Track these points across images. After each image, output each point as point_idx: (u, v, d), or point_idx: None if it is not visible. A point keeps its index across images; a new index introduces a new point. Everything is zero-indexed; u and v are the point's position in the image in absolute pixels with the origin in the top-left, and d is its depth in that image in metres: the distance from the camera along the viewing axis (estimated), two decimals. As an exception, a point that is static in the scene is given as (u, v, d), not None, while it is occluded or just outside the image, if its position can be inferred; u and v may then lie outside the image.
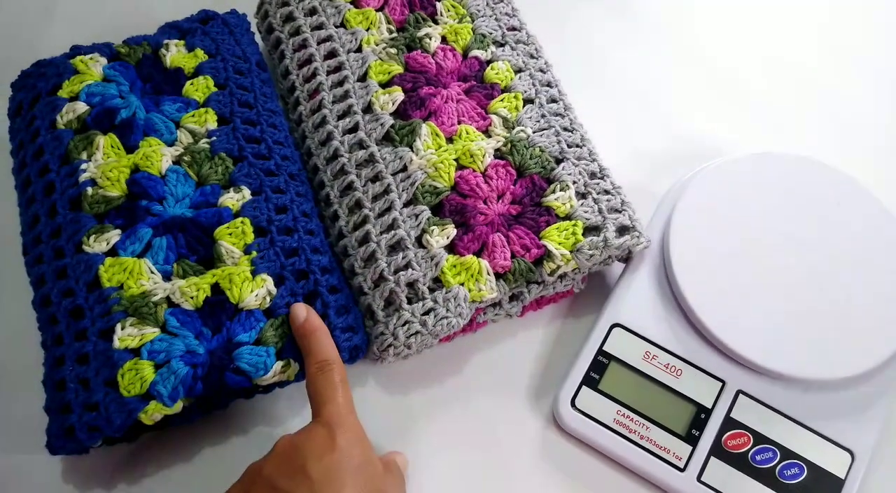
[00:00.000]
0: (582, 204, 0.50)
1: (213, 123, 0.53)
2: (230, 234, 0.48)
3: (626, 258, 0.52)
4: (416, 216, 0.49)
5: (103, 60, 0.55)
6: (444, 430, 0.49)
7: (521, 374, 0.51)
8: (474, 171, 0.51)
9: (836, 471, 0.46)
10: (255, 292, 0.46)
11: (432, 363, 0.51)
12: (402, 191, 0.50)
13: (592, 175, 0.52)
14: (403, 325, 0.47)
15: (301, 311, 0.46)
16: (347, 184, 0.51)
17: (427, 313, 0.47)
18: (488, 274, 0.48)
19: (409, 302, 0.47)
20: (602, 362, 0.49)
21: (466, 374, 0.51)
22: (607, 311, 0.50)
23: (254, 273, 0.47)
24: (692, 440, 0.46)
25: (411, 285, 0.48)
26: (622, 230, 0.50)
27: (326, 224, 0.52)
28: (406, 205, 0.50)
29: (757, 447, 0.46)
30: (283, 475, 0.40)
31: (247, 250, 0.48)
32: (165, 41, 0.56)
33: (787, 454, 0.46)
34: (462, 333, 0.50)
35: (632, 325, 0.49)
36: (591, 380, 0.48)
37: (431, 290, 0.48)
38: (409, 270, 0.48)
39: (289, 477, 0.40)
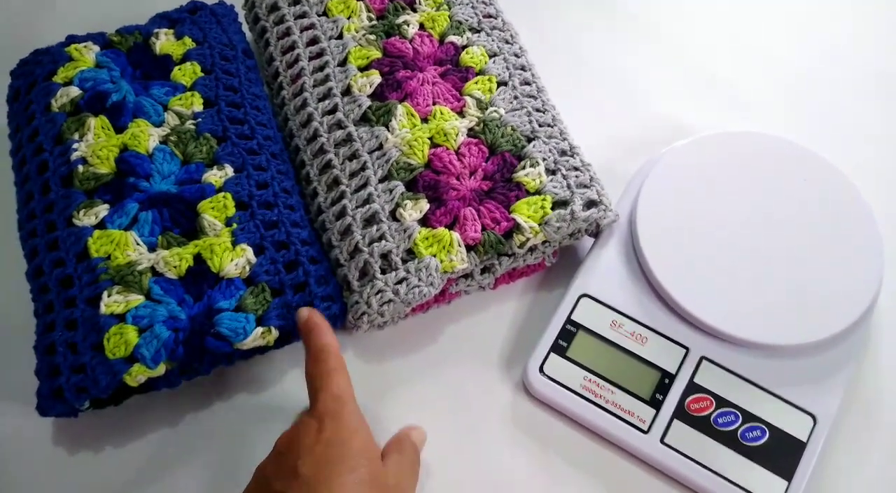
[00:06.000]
0: (551, 180, 0.52)
1: (199, 106, 0.55)
2: (212, 208, 0.50)
3: (596, 233, 0.54)
4: (391, 191, 0.51)
5: (96, 48, 0.58)
6: (419, 397, 0.51)
7: (493, 344, 0.53)
8: (447, 149, 0.53)
9: (797, 434, 0.47)
10: (235, 261, 0.48)
11: (408, 333, 0.53)
12: (378, 168, 0.52)
13: (562, 153, 0.54)
14: (377, 294, 0.49)
15: (303, 312, 0.47)
16: (326, 162, 0.54)
17: (400, 282, 0.49)
18: (459, 246, 0.50)
19: (383, 272, 0.49)
20: (570, 330, 0.50)
21: (441, 343, 0.53)
22: (576, 282, 0.52)
23: (234, 243, 0.49)
24: (656, 403, 0.48)
25: (385, 256, 0.50)
26: (590, 204, 0.52)
27: (307, 201, 0.54)
28: (381, 181, 0.52)
29: (719, 411, 0.48)
30: (278, 476, 0.40)
31: (228, 223, 0.50)
32: (155, 30, 0.59)
33: (748, 417, 0.48)
34: (436, 303, 0.52)
35: (599, 295, 0.51)
36: (559, 348, 0.50)
37: (404, 261, 0.50)
38: (383, 241, 0.50)
39: (282, 478, 0.40)
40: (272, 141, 0.55)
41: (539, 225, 0.51)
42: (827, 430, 0.47)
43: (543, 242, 0.52)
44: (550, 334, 0.50)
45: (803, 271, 0.50)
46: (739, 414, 0.48)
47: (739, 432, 0.47)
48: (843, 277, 0.50)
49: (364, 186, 0.52)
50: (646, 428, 0.48)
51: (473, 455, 0.49)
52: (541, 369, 0.50)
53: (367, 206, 0.51)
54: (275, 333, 0.48)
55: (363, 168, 0.52)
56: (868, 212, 0.52)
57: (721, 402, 0.48)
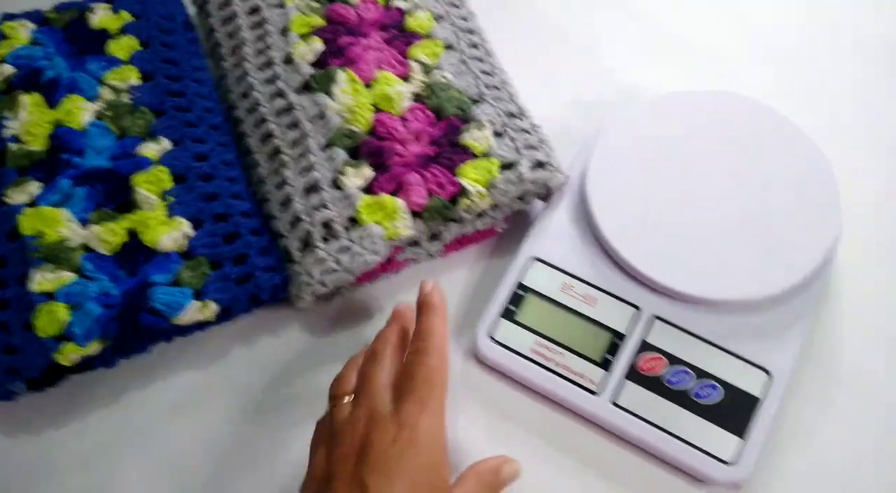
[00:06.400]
0: (499, 143, 0.51)
1: (136, 80, 0.54)
2: (147, 181, 0.49)
3: (546, 197, 0.52)
4: (332, 159, 0.50)
5: (32, 25, 0.56)
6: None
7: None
8: (391, 114, 0.51)
9: (752, 390, 0.46)
10: (170, 234, 0.47)
11: (357, 305, 0.52)
12: (319, 136, 0.51)
13: (511, 115, 0.52)
14: (319, 263, 0.47)
15: (427, 284, 0.45)
16: (266, 132, 0.52)
17: (342, 251, 0.47)
18: (404, 212, 0.48)
19: (325, 242, 0.48)
20: (520, 294, 0.49)
21: (390, 313, 0.52)
22: (526, 245, 0.51)
23: (170, 217, 0.48)
24: (607, 365, 0.47)
25: (327, 225, 0.48)
26: (538, 166, 0.50)
27: (249, 173, 0.53)
28: (323, 149, 0.51)
29: (671, 370, 0.46)
30: (344, 483, 0.37)
31: (164, 196, 0.49)
32: (91, 4, 0.57)
33: (702, 374, 0.46)
34: (383, 272, 0.51)
35: (550, 258, 0.50)
36: (508, 313, 0.49)
37: (347, 229, 0.48)
38: (324, 210, 0.48)
39: (340, 479, 0.38)
40: (213, 113, 0.54)
41: (486, 188, 0.49)
42: (783, 386, 0.46)
43: (493, 208, 0.50)
44: (500, 300, 0.49)
45: (757, 227, 0.49)
46: (692, 372, 0.46)
47: (692, 390, 0.46)
48: (797, 231, 0.49)
49: (305, 154, 0.50)
50: (597, 390, 0.46)
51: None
52: (490, 336, 0.48)
53: (308, 174, 0.49)
54: (213, 307, 0.46)
55: (304, 137, 0.51)
56: (824, 165, 0.51)
57: (673, 360, 0.47)
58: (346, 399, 0.42)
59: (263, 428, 0.48)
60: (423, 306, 0.44)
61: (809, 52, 0.63)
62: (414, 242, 0.50)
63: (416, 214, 0.49)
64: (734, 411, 0.45)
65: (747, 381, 0.46)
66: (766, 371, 0.46)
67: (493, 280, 0.52)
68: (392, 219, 0.48)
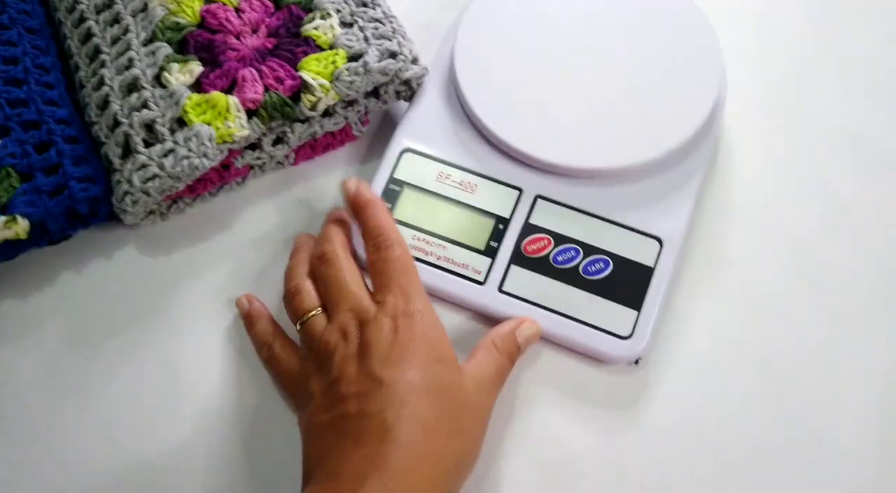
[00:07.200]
0: (346, 33, 0.46)
1: (-61, -20, 0.48)
2: (-58, 87, 0.43)
3: (410, 96, 0.48)
4: (154, 54, 0.44)
5: None
6: (214, 288, 0.45)
7: (299, 222, 0.47)
8: (224, 4, 0.46)
9: (643, 260, 0.43)
10: (-34, 143, 0.42)
11: (198, 220, 0.47)
12: (141, 30, 0.45)
13: (361, 4, 0.47)
14: (139, 169, 0.42)
15: (350, 184, 0.43)
16: (86, 31, 0.47)
17: (166, 154, 0.42)
18: (238, 111, 0.43)
19: (147, 145, 0.43)
20: (395, 189, 0.45)
21: (237, 229, 0.47)
22: (396, 138, 0.46)
23: (-35, 124, 0.42)
24: (491, 252, 0.43)
25: (149, 127, 0.43)
26: (388, 56, 0.45)
27: (72, 78, 0.47)
28: (145, 44, 0.45)
29: (558, 249, 0.43)
30: (354, 384, 0.36)
31: (-37, 103, 0.43)
32: None
33: (590, 250, 0.43)
34: (222, 181, 0.46)
35: (423, 148, 0.46)
36: (384, 209, 0.45)
37: (173, 131, 0.43)
38: (145, 110, 0.43)
39: (357, 383, 0.36)
40: (29, 15, 0.48)
41: (330, 82, 0.44)
42: (675, 252, 0.43)
43: (343, 106, 0.46)
44: None
45: (636, 92, 0.45)
46: (580, 249, 0.43)
47: (581, 267, 0.43)
48: (677, 94, 0.45)
49: (125, 51, 0.45)
50: (482, 279, 0.43)
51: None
52: None
53: (127, 72, 0.44)
54: (23, 222, 0.41)
55: (125, 32, 0.45)
56: (704, 24, 0.47)
57: (559, 239, 0.43)
58: (315, 312, 0.40)
59: (94, 356, 0.43)
60: (357, 205, 0.42)
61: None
62: (254, 146, 0.45)
63: (252, 113, 0.44)
64: (627, 283, 0.42)
65: (638, 252, 0.43)
66: (658, 239, 0.43)
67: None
68: (225, 119, 0.43)
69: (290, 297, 0.41)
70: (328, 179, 0.48)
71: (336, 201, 0.47)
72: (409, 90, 0.47)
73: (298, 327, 0.41)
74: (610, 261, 0.43)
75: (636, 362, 0.43)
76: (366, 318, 0.38)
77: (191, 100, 0.43)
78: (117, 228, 0.46)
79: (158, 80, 0.44)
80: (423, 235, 0.44)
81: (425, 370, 0.37)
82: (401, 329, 0.37)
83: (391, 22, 0.47)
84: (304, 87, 0.44)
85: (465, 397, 0.38)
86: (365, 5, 0.47)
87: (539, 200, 0.44)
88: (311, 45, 0.45)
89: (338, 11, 0.46)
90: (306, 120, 0.45)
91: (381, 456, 0.34)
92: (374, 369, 0.36)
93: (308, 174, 0.48)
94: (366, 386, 0.36)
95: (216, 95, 0.43)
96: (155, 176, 0.42)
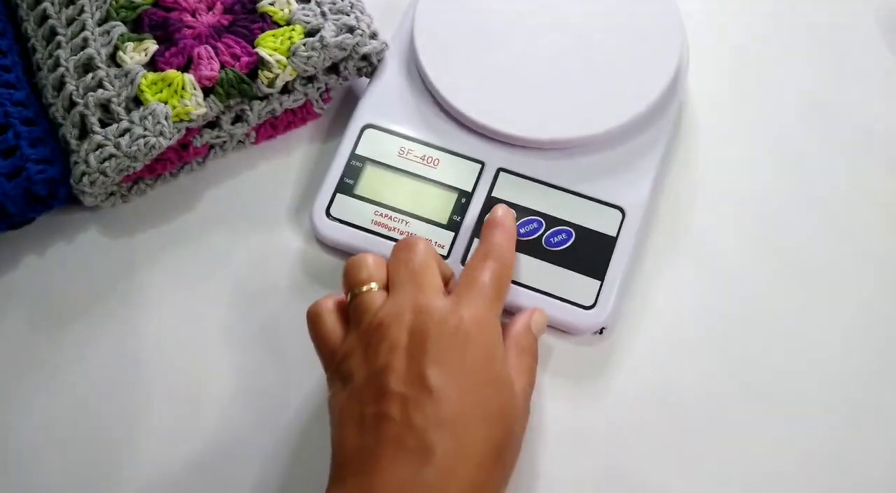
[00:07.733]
0: (303, 8, 0.45)
1: None
2: None
3: (371, 72, 0.47)
4: (108, 33, 0.44)
5: None
6: (177, 267, 0.45)
7: (262, 202, 0.47)
8: (179, -18, 0.46)
9: (606, 230, 0.43)
10: (-83, 126, 0.41)
11: (161, 204, 0.46)
12: (96, 10, 0.45)
13: (319, -21, 0.47)
14: (96, 149, 0.42)
15: (498, 209, 0.42)
16: (42, 13, 0.46)
17: (123, 134, 0.42)
18: (194, 89, 0.43)
19: (103, 126, 0.42)
20: (356, 166, 0.45)
21: (201, 210, 0.46)
22: (357, 115, 0.46)
23: (-83, 108, 0.42)
24: (454, 226, 0.43)
25: (105, 106, 0.43)
26: (345, 30, 0.45)
27: (30, 62, 0.47)
28: (100, 24, 0.45)
29: (521, 221, 0.43)
30: (401, 378, 0.34)
31: (-86, 86, 0.43)
32: None
33: (552, 221, 0.43)
34: (182, 161, 0.45)
35: (384, 123, 0.46)
36: (345, 186, 0.44)
37: (129, 110, 0.43)
38: (101, 90, 0.43)
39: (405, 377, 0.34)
40: (-14, -2, 0.48)
41: (287, 58, 0.44)
42: (638, 221, 0.43)
43: (302, 82, 0.45)
44: (334, 174, 0.45)
45: (596, 61, 0.45)
46: (542, 220, 0.43)
47: (544, 238, 0.43)
48: (638, 62, 0.45)
49: (81, 31, 0.45)
50: (446, 253, 0.43)
51: (264, 318, 0.44)
52: (327, 213, 0.44)
53: (82, 52, 0.44)
54: (-22, 207, 0.41)
55: (80, 12, 0.45)
56: None
57: (522, 211, 0.43)
58: (371, 286, 0.37)
59: (58, 338, 0.43)
60: (492, 223, 0.41)
61: None
62: (213, 124, 0.45)
63: (209, 91, 0.43)
64: (590, 253, 0.42)
65: (601, 221, 0.43)
66: (620, 209, 0.43)
67: (317, 167, 0.47)
68: (182, 97, 0.43)
69: (353, 264, 0.38)
70: (290, 157, 0.48)
71: (298, 178, 0.47)
72: (369, 66, 0.47)
73: (350, 297, 0.38)
74: (572, 232, 0.43)
75: (600, 331, 0.43)
76: (429, 308, 0.35)
77: (146, 79, 0.43)
78: (79, 212, 0.46)
79: (114, 60, 0.44)
80: (385, 211, 0.44)
81: (478, 391, 0.34)
82: (462, 332, 0.35)
83: (349, -3, 0.47)
84: (261, 63, 0.44)
85: (510, 424, 0.35)
86: (322, -20, 0.47)
87: (501, 173, 0.44)
88: (268, 22, 0.45)
89: (294, -13, 0.46)
90: (265, 97, 0.45)
91: (419, 482, 0.32)
92: (425, 370, 0.34)
93: (270, 153, 0.48)
94: (414, 391, 0.33)
95: (172, 73, 0.43)
96: (111, 156, 0.42)
